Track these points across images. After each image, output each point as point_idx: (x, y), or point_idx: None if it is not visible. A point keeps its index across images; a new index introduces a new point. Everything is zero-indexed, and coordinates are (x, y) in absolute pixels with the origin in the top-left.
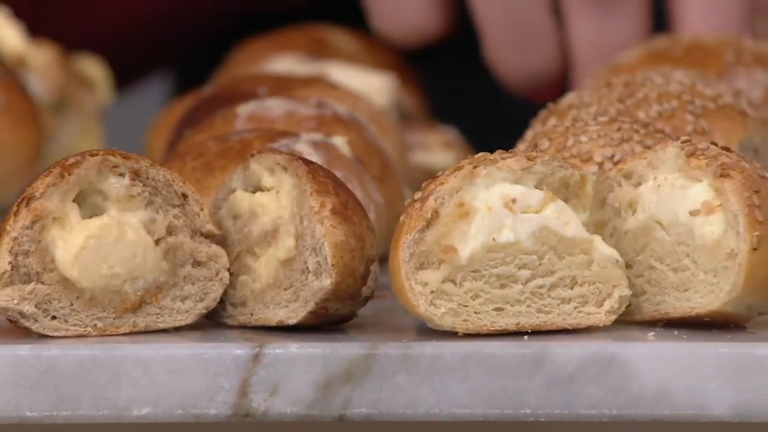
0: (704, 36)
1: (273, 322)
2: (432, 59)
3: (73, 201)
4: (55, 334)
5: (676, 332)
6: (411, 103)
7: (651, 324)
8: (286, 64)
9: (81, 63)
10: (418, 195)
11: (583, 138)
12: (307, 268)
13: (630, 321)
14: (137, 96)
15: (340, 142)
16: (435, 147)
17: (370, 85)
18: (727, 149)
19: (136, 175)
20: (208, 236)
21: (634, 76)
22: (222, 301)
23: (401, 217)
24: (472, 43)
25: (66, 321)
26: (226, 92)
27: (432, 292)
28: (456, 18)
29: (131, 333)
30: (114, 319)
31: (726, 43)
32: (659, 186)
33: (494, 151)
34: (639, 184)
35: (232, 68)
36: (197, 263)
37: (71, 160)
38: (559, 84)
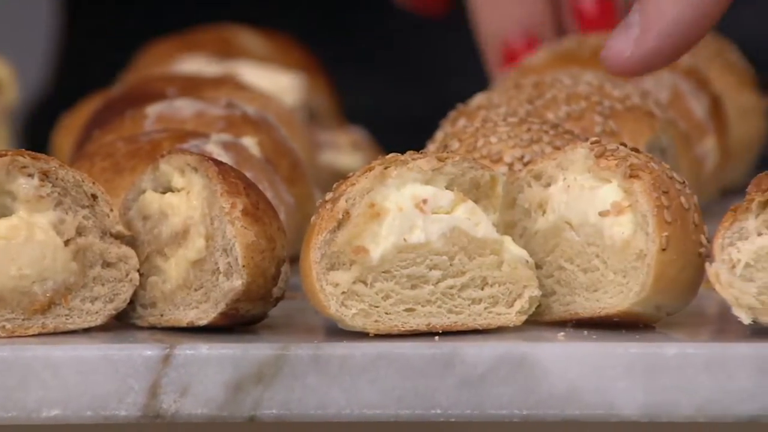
0: None
1: (183, 323)
2: (344, 59)
3: None
4: None
5: (585, 332)
6: (321, 102)
7: (561, 324)
8: (194, 64)
9: None
10: (329, 196)
11: (493, 139)
12: (218, 268)
13: (540, 321)
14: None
15: (249, 142)
16: (343, 147)
17: (279, 85)
18: (636, 150)
19: (45, 175)
20: (118, 237)
21: (542, 77)
22: (132, 302)
23: (312, 218)
24: (386, 44)
25: None
26: (134, 92)
27: (343, 292)
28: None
29: (40, 334)
30: (23, 320)
31: None
32: (569, 187)
33: (405, 152)
34: (549, 184)
35: (140, 68)
36: (107, 264)
37: None
38: None
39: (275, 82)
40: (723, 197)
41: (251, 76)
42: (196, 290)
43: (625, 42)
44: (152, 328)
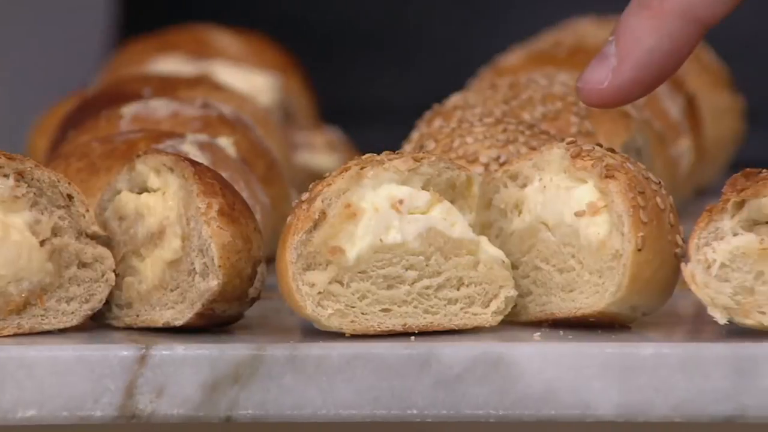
0: (587, 37)
1: (159, 324)
2: (323, 59)
3: None
4: None
5: (561, 332)
6: (296, 103)
7: (537, 324)
8: (170, 64)
9: None
10: (305, 196)
11: (469, 139)
12: (194, 269)
13: (516, 321)
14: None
15: (225, 143)
16: (319, 148)
17: (254, 85)
18: (612, 150)
19: (20, 175)
20: (94, 237)
21: (518, 77)
22: (108, 303)
23: (288, 218)
24: (364, 43)
25: None
26: (110, 93)
27: (319, 293)
28: None
29: (16, 335)
30: None
31: None
32: (545, 187)
33: (381, 152)
34: (525, 185)
35: (115, 69)
36: (82, 264)
37: None
38: None
39: (251, 82)
40: (698, 197)
41: (227, 76)
42: (172, 291)
43: (601, 73)
44: (128, 328)
